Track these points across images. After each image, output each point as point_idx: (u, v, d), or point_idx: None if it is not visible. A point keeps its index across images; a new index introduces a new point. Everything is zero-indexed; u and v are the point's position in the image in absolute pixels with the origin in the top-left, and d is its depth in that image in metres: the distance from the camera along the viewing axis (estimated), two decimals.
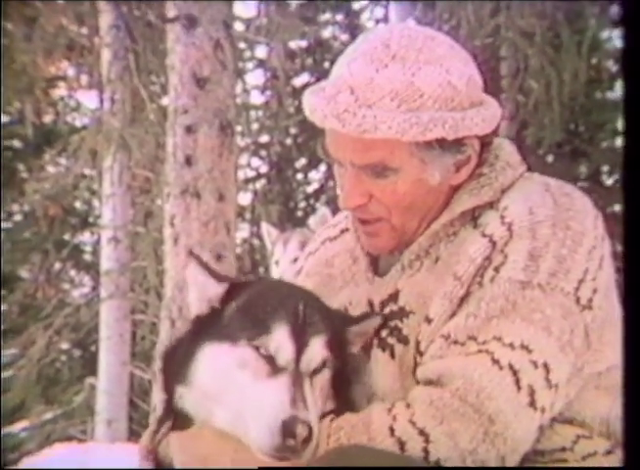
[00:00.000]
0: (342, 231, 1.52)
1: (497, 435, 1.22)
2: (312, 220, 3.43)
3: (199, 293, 1.36)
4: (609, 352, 1.33)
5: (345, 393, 1.35)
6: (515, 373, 1.24)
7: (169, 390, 1.37)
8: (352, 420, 1.27)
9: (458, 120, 1.30)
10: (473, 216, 1.35)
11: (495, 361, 1.24)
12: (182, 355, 1.34)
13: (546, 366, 1.25)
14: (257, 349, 1.28)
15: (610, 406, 1.33)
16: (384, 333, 1.37)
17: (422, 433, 1.22)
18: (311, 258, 1.55)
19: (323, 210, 3.38)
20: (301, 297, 1.35)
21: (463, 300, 1.30)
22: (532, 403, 1.24)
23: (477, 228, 1.34)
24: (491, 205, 1.35)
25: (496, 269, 1.29)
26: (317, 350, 1.29)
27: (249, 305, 1.33)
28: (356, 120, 1.28)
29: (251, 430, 1.24)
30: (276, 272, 3.27)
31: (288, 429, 1.20)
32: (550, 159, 7.79)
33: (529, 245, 1.29)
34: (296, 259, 2.97)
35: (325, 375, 1.32)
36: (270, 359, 1.28)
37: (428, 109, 1.29)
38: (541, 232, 1.29)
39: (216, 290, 1.35)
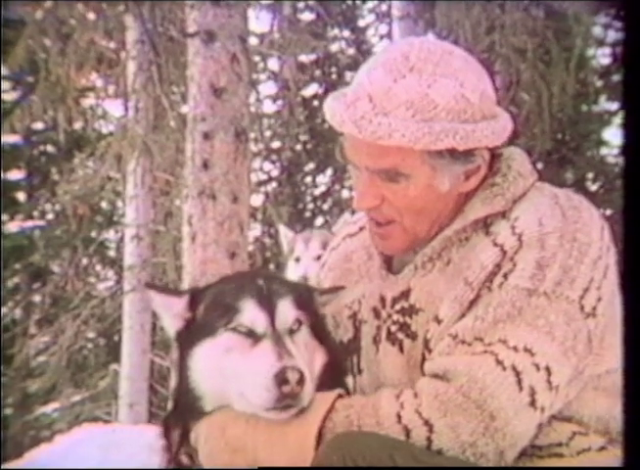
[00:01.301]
0: (361, 228, 1.49)
1: (497, 430, 1.19)
2: (335, 226, 3.37)
3: (168, 313, 1.36)
4: (609, 355, 1.30)
5: (330, 342, 1.36)
6: (517, 374, 1.21)
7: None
8: (362, 400, 1.26)
9: (469, 132, 1.26)
10: (485, 224, 1.32)
11: (499, 362, 1.21)
12: (181, 377, 1.33)
13: (548, 369, 1.22)
14: (235, 330, 1.29)
15: (607, 406, 1.30)
16: (393, 328, 1.34)
17: (426, 423, 1.20)
18: (334, 252, 1.54)
19: (346, 215, 3.32)
20: (259, 275, 1.37)
21: (472, 303, 1.27)
22: (533, 403, 1.21)
23: (488, 236, 1.30)
24: (503, 214, 1.31)
25: (505, 276, 1.26)
26: (287, 310, 1.30)
27: (214, 300, 1.34)
28: (372, 127, 1.26)
29: (250, 395, 1.24)
30: (296, 268, 3.20)
31: (280, 378, 1.21)
32: (539, 166, 7.75)
33: (537, 255, 1.26)
34: (319, 257, 2.96)
35: (304, 332, 1.31)
36: (249, 333, 1.28)
37: (441, 119, 1.26)
38: (549, 243, 1.26)
39: (180, 304, 1.35)
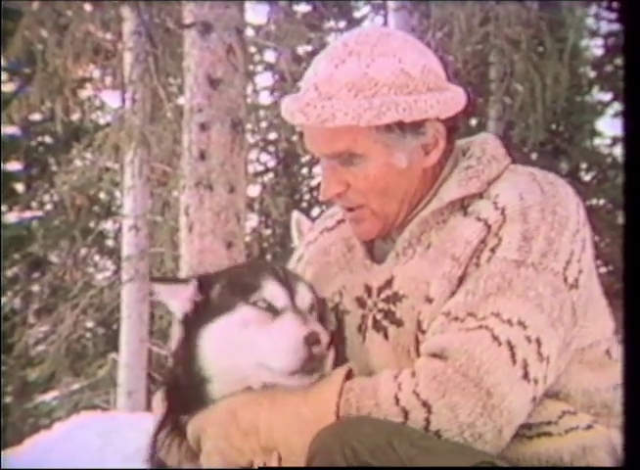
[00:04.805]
0: (339, 222, 1.48)
1: (494, 407, 1.19)
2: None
3: (176, 299, 1.34)
4: (593, 328, 1.31)
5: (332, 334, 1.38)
6: (512, 348, 1.21)
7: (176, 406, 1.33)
8: (363, 383, 1.24)
9: (411, 103, 1.27)
10: (462, 205, 1.32)
11: (495, 338, 1.21)
12: (186, 360, 1.31)
13: (538, 341, 1.22)
14: (255, 304, 1.28)
15: (591, 379, 1.31)
16: (379, 316, 1.34)
17: (425, 404, 1.19)
18: (311, 246, 1.52)
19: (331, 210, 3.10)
20: (273, 263, 1.41)
21: (461, 279, 1.27)
22: (526, 376, 1.21)
23: (467, 216, 1.31)
24: (480, 195, 1.32)
25: (492, 250, 1.26)
26: (305, 292, 1.32)
27: (232, 279, 1.34)
28: (316, 112, 1.28)
29: (274, 360, 1.23)
30: None
31: (311, 339, 1.22)
32: (534, 156, 7.75)
33: (522, 227, 1.26)
34: None
35: (314, 316, 1.32)
36: (269, 307, 1.28)
37: (383, 95, 1.28)
38: (532, 216, 1.27)
39: (188, 288, 1.34)
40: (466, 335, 1.22)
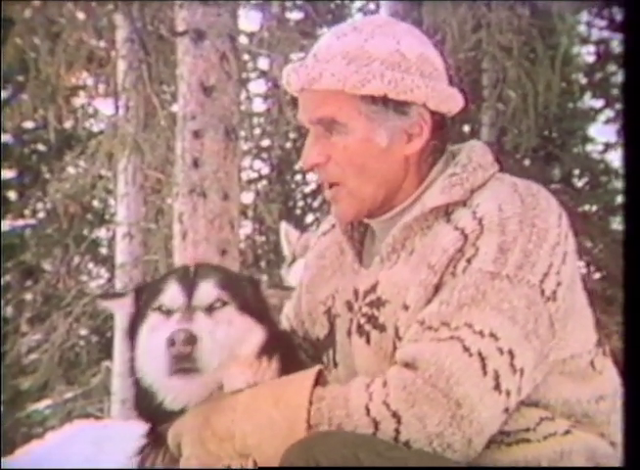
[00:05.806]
0: (333, 225, 1.51)
1: (463, 418, 1.19)
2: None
3: (119, 314, 1.40)
4: (572, 340, 1.31)
5: (271, 323, 1.37)
6: (482, 359, 1.21)
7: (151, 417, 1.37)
8: (335, 392, 1.25)
9: (398, 79, 1.30)
10: (446, 212, 1.33)
11: (466, 349, 1.22)
12: (133, 371, 1.36)
13: (511, 352, 1.22)
14: (158, 309, 1.32)
15: (572, 390, 1.32)
16: (362, 320, 1.35)
17: (394, 415, 1.20)
18: (311, 251, 1.55)
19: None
20: (194, 265, 1.38)
21: (437, 288, 1.28)
22: (497, 387, 1.21)
23: (449, 223, 1.32)
24: (464, 203, 1.32)
25: (468, 261, 1.27)
26: (208, 289, 1.32)
27: (150, 286, 1.39)
28: (306, 71, 1.34)
29: (157, 362, 1.26)
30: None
31: (169, 340, 1.24)
32: (527, 162, 7.78)
33: (499, 239, 1.27)
34: None
35: (229, 311, 1.32)
36: (167, 311, 1.31)
37: (374, 67, 1.32)
38: (509, 228, 1.27)
39: (127, 301, 1.39)
40: (437, 345, 1.23)
